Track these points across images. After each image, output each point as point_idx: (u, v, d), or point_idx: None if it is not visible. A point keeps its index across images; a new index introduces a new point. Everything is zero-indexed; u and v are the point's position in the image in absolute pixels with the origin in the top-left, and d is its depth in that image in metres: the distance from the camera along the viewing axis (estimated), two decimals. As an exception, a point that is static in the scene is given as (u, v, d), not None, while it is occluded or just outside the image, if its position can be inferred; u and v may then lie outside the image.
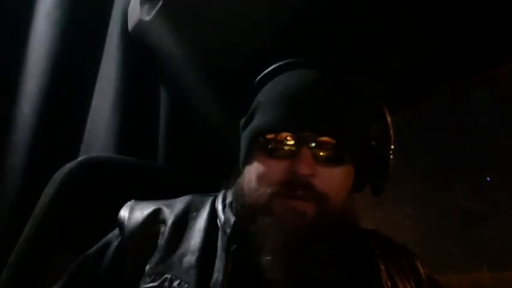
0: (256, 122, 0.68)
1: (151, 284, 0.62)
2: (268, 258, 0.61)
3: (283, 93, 0.67)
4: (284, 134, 0.65)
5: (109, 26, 1.23)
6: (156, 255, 0.66)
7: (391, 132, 0.74)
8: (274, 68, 0.73)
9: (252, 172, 0.67)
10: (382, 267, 0.69)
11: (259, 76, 0.74)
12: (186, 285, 0.61)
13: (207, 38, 1.08)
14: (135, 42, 1.16)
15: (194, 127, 1.17)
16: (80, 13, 1.21)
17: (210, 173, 0.90)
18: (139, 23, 1.09)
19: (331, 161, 0.65)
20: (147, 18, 1.06)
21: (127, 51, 1.17)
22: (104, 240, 0.73)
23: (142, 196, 0.76)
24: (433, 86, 1.10)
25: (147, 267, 0.65)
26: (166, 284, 0.62)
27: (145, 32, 1.11)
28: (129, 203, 0.74)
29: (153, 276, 0.63)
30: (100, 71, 1.21)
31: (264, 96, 0.70)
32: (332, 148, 0.65)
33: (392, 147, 0.76)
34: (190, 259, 0.64)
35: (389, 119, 0.74)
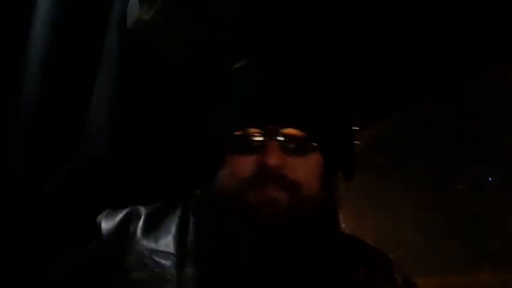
0: (222, 121, 0.71)
1: (137, 272, 0.65)
2: (245, 247, 0.65)
3: (246, 90, 0.69)
4: (251, 130, 0.67)
5: (109, 25, 1.23)
6: (135, 248, 0.68)
7: (352, 117, 0.77)
8: (238, 67, 0.75)
9: (224, 171, 0.69)
10: (358, 270, 0.72)
11: (220, 76, 0.78)
12: (171, 256, 0.65)
13: (207, 37, 1.08)
14: (134, 41, 1.16)
15: (193, 127, 1.17)
16: (80, 12, 1.21)
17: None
18: (139, 22, 1.09)
19: (300, 151, 0.67)
20: (147, 17, 1.06)
21: (126, 51, 1.17)
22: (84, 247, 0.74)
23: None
24: (433, 86, 1.09)
25: (127, 262, 0.66)
26: (150, 262, 0.65)
27: (144, 31, 1.11)
28: (105, 210, 0.76)
29: (136, 265, 0.65)
30: (99, 72, 1.21)
31: (228, 94, 0.73)
32: (299, 139, 0.67)
33: (354, 130, 0.80)
34: (167, 239, 0.68)
35: (348, 106, 0.78)
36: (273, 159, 0.64)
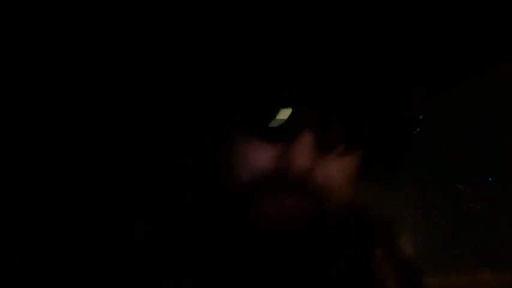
0: (240, 94, 0.52)
1: None
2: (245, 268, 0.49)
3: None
4: (279, 111, 0.48)
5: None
6: None
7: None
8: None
9: (234, 160, 0.51)
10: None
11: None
12: None
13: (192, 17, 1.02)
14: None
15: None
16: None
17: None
18: None
19: (338, 147, 0.50)
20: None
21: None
22: None
23: None
24: (433, 86, 1.09)
25: None
26: None
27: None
28: None
29: None
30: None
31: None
32: (342, 130, 0.49)
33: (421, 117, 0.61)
34: None
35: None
36: (303, 157, 0.47)
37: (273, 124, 0.48)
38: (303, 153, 0.47)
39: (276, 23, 0.88)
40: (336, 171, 0.50)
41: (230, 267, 0.52)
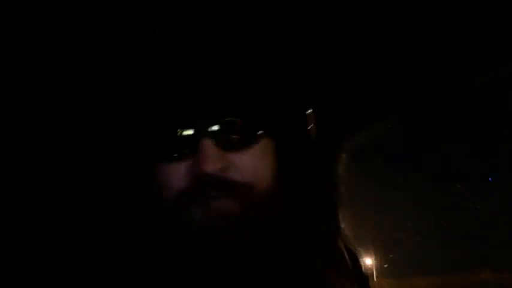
0: (145, 119, 0.56)
1: None
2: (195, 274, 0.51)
3: (169, 82, 0.56)
4: (180, 130, 0.53)
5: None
6: None
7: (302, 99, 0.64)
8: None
9: (157, 184, 0.55)
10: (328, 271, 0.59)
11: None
12: None
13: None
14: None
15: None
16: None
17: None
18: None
19: (242, 143, 0.53)
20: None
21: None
22: None
23: None
24: (433, 86, 1.09)
25: None
26: None
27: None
28: None
29: None
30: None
31: (149, 87, 0.59)
32: (240, 128, 0.53)
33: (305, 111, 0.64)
34: None
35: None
36: (210, 163, 0.50)
37: (177, 142, 0.53)
38: (209, 159, 0.51)
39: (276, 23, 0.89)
40: (249, 166, 0.54)
41: (167, 275, 0.53)
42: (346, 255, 0.64)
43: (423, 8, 0.92)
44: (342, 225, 0.96)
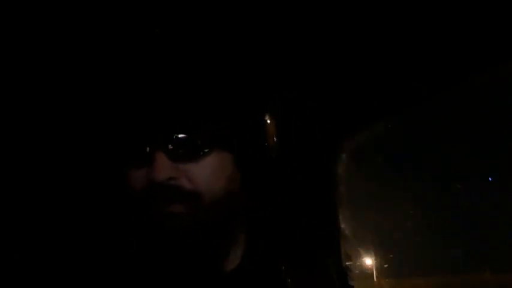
0: (114, 133, 0.66)
1: None
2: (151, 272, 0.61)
3: (127, 95, 0.64)
4: (137, 140, 0.60)
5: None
6: None
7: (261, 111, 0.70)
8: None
9: (122, 185, 0.63)
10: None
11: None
12: None
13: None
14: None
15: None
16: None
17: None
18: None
19: (192, 155, 0.61)
20: None
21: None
22: None
23: None
24: (433, 86, 1.09)
25: None
26: None
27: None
28: None
29: None
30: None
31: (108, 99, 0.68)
32: (189, 143, 0.60)
33: (266, 118, 0.71)
34: None
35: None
36: (161, 172, 0.57)
37: (136, 152, 0.60)
38: (159, 170, 0.58)
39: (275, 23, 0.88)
40: (199, 175, 0.60)
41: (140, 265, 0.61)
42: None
43: (423, 8, 0.92)
44: (342, 225, 0.96)
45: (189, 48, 0.72)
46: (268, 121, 0.69)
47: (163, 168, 0.58)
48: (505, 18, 0.91)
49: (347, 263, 0.85)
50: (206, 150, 0.61)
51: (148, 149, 0.59)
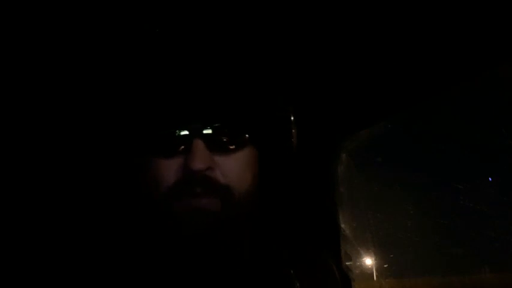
0: (140, 119, 0.63)
1: None
2: (172, 264, 0.59)
3: (165, 83, 0.62)
4: (175, 128, 0.59)
5: None
6: None
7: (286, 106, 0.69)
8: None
9: (147, 177, 0.61)
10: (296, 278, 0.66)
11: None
12: None
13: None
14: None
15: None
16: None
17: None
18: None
19: (228, 147, 0.60)
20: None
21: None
22: None
23: None
24: (434, 86, 1.09)
25: None
26: None
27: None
28: None
29: None
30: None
31: (144, 86, 0.65)
32: (228, 133, 0.60)
33: (291, 118, 0.71)
34: None
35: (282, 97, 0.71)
36: (199, 161, 0.56)
37: (170, 140, 0.60)
38: (198, 159, 0.57)
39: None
40: (232, 169, 0.60)
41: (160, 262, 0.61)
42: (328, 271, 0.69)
43: (423, 8, 0.92)
44: (342, 225, 0.96)
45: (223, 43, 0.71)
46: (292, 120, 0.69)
47: (201, 157, 0.57)
48: (505, 19, 0.91)
49: (347, 263, 0.86)
50: (239, 143, 0.60)
51: (187, 137, 0.58)
